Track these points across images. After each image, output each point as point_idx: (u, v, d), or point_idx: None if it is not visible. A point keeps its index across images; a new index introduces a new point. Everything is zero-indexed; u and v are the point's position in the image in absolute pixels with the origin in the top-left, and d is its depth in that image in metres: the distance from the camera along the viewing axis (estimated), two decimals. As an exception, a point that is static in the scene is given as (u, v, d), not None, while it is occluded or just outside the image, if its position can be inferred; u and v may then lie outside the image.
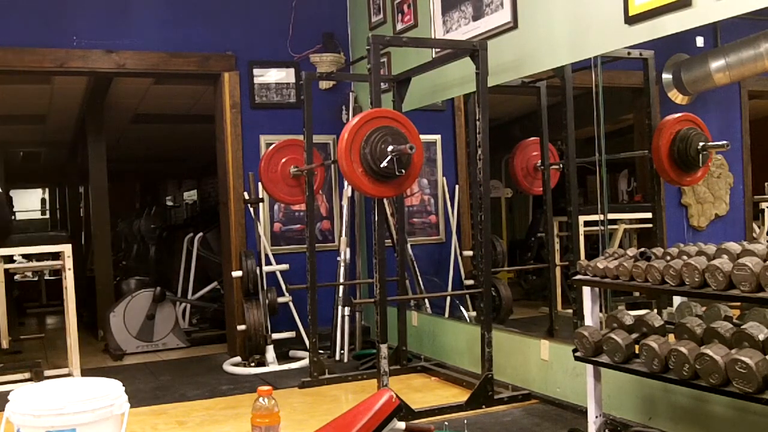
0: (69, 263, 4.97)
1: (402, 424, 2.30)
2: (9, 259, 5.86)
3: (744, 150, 3.82)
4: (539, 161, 4.97)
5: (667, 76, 3.88)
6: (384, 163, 3.58)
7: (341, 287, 5.76)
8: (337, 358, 5.54)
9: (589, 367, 3.21)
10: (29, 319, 9.02)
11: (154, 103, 8.22)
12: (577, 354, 3.14)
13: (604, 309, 3.50)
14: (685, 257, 2.75)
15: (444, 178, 5.95)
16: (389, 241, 5.06)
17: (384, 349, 3.83)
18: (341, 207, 6.05)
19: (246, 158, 5.87)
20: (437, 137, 5.92)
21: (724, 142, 3.65)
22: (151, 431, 3.97)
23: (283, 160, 5.29)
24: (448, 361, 5.00)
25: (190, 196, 15.86)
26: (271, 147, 5.36)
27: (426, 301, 5.54)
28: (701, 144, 3.59)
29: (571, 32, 3.88)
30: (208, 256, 7.65)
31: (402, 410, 2.50)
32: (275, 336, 5.58)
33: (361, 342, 5.69)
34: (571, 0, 3.87)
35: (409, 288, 5.42)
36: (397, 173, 3.62)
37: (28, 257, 8.06)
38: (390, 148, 3.58)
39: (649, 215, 3.99)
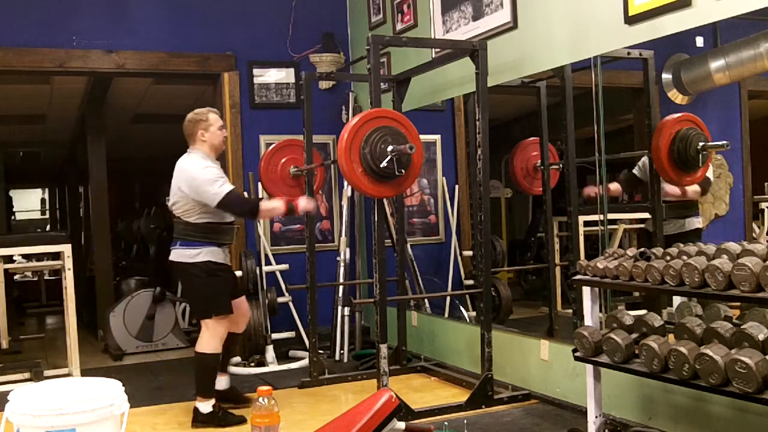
0: (69, 263, 4.96)
1: (402, 424, 2.30)
2: (9, 259, 5.86)
3: (744, 150, 3.81)
4: (539, 161, 4.97)
5: (666, 76, 3.88)
6: (384, 163, 3.58)
7: (341, 287, 5.76)
8: (337, 358, 5.54)
9: (589, 367, 3.21)
10: (29, 319, 9.01)
11: (154, 103, 8.21)
12: (577, 354, 3.14)
13: (603, 309, 3.50)
14: (684, 257, 2.75)
15: (444, 178, 5.95)
16: (389, 241, 5.06)
17: (384, 349, 3.83)
18: (341, 207, 6.05)
19: (246, 158, 5.87)
20: (437, 137, 5.92)
21: (724, 142, 3.66)
22: (150, 431, 3.98)
23: (283, 160, 5.27)
24: (447, 361, 5.00)
25: (190, 196, 15.80)
26: (271, 147, 5.35)
27: (426, 301, 5.54)
28: (701, 144, 3.59)
29: (571, 32, 3.87)
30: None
31: (402, 410, 2.50)
32: (275, 336, 5.58)
33: (360, 342, 5.69)
34: (571, 0, 3.87)
35: (408, 288, 5.42)
36: (396, 173, 3.62)
37: (27, 257, 8.06)
38: (390, 148, 3.57)
39: (648, 215, 3.99)
